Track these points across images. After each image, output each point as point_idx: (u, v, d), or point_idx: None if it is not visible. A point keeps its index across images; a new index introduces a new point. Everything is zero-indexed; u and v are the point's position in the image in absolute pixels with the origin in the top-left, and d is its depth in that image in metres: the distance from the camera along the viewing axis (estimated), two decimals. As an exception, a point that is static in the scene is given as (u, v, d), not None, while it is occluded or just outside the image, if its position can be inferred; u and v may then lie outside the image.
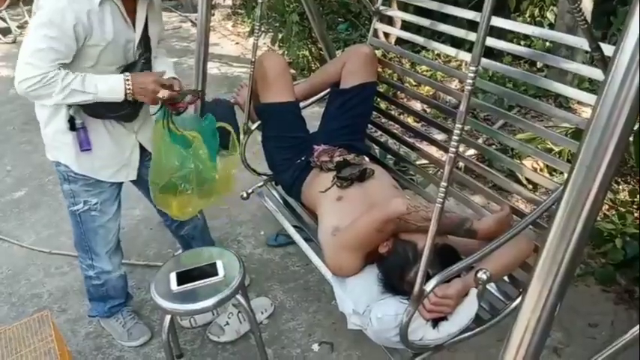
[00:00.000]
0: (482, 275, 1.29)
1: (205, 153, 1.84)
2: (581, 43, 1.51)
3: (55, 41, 1.53)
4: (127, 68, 1.70)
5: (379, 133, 2.56)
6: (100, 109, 1.71)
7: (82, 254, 2.02)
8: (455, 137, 1.03)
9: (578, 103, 3.36)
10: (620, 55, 0.64)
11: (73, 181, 1.85)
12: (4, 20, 6.31)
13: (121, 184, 1.96)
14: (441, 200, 1.10)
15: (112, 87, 1.61)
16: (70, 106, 1.68)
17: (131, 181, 1.98)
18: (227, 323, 2.12)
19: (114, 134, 1.83)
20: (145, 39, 1.75)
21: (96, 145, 1.79)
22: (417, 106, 3.48)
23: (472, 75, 0.97)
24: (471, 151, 2.88)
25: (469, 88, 0.98)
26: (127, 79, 1.62)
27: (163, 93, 1.65)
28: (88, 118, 1.74)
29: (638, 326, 0.91)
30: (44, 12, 1.53)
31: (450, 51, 2.20)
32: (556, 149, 2.74)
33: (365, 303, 1.49)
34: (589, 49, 1.32)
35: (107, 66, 1.67)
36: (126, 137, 1.87)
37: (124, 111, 1.75)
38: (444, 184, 1.08)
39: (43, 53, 1.53)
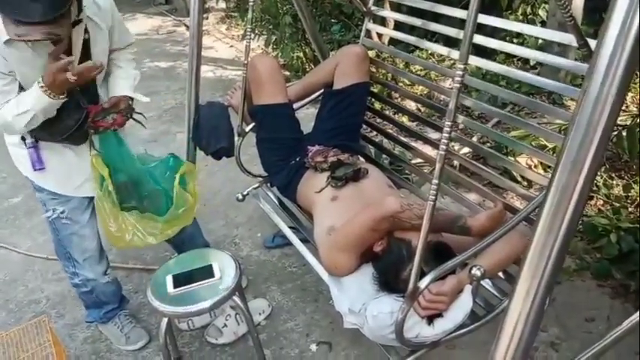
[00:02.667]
0: (476, 272, 1.29)
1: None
2: (571, 40, 1.52)
3: None
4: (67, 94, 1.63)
5: (374, 133, 2.57)
6: (43, 135, 1.70)
7: (65, 262, 2.01)
8: (445, 135, 1.04)
9: (571, 99, 3.37)
10: (602, 48, 0.65)
11: (39, 190, 1.86)
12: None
13: None
14: (433, 197, 1.11)
15: (35, 97, 1.54)
16: None
17: None
18: (225, 325, 2.12)
19: (75, 150, 1.81)
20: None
21: (53, 162, 1.78)
22: (412, 105, 3.49)
23: (460, 73, 0.98)
24: (466, 150, 2.89)
25: (457, 85, 0.99)
26: (40, 84, 1.54)
27: (70, 76, 1.51)
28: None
29: (636, 315, 0.92)
30: None
31: (442, 50, 2.21)
32: (550, 146, 2.75)
33: (361, 301, 1.50)
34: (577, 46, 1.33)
35: None
36: (87, 153, 1.82)
37: (66, 134, 1.70)
38: (435, 181, 1.09)
39: None
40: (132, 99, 1.82)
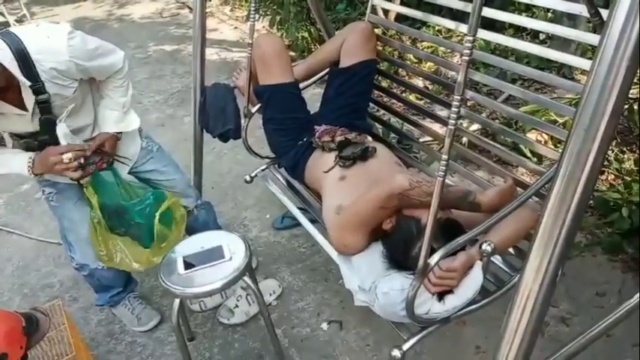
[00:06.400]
0: (486, 247, 1.29)
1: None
2: (581, 9, 1.49)
3: None
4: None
5: (381, 111, 2.54)
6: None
7: (65, 245, 2.02)
8: (454, 109, 1.02)
9: (582, 73, 3.32)
10: (615, 14, 0.63)
11: None
12: (2, 14, 6.29)
13: None
14: (443, 173, 1.09)
15: (17, 167, 1.70)
16: None
17: None
18: (236, 306, 2.14)
19: None
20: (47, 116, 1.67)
21: None
22: (419, 82, 3.45)
23: (469, 45, 0.95)
24: (475, 126, 2.86)
25: (466, 58, 0.97)
26: (30, 160, 1.69)
27: (67, 162, 1.65)
28: None
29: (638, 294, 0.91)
30: None
31: (450, 24, 2.17)
32: (560, 120, 2.72)
33: (371, 279, 1.50)
34: (589, 16, 1.30)
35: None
36: None
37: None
38: (444, 156, 1.08)
39: None
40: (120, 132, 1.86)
